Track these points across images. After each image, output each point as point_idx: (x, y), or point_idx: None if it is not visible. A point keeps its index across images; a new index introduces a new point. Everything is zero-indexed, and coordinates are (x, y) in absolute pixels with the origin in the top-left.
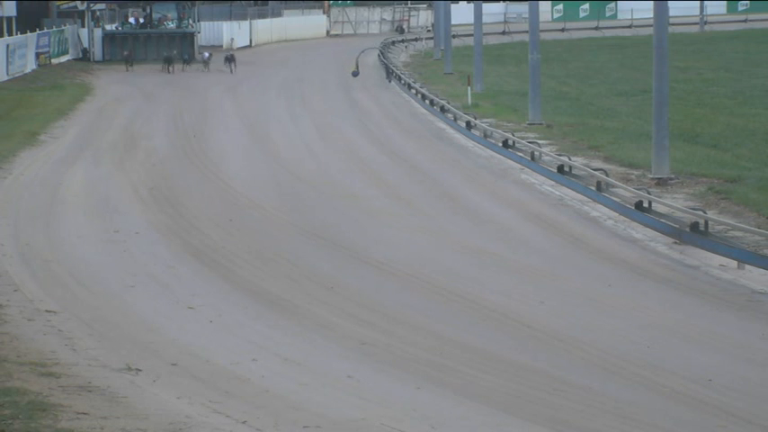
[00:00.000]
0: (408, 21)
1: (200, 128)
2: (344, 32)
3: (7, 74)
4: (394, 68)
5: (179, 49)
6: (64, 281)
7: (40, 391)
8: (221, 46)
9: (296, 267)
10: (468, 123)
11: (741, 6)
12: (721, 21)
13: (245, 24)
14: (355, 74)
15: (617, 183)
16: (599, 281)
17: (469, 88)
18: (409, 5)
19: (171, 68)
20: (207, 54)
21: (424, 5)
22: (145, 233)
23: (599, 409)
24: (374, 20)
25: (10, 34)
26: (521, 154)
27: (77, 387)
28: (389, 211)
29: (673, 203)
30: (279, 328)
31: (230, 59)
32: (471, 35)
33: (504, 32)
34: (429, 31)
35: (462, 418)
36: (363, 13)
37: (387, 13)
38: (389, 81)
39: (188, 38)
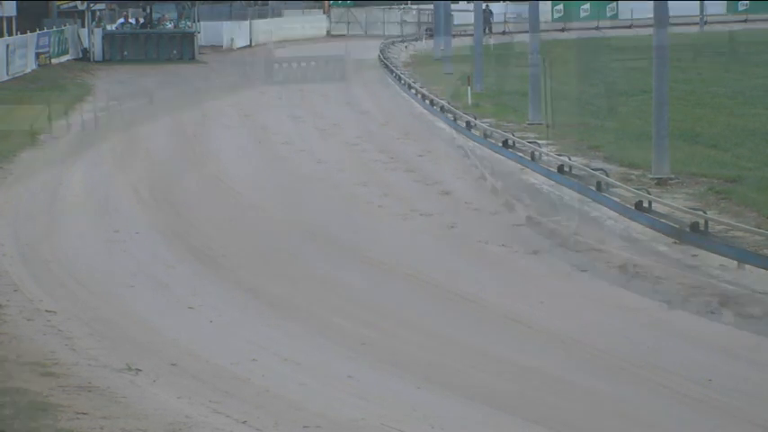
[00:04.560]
0: None
1: (200, 128)
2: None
3: (7, 74)
4: (394, 68)
5: (179, 49)
6: (64, 281)
7: (40, 391)
8: (221, 46)
9: (296, 267)
10: (467, 123)
11: (741, 6)
12: (721, 21)
13: (245, 24)
14: None
15: (617, 183)
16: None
17: (469, 88)
18: None
19: None
20: None
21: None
22: (145, 233)
23: (599, 409)
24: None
25: (10, 34)
26: (521, 154)
27: (77, 387)
28: (389, 211)
29: (673, 203)
30: (279, 328)
31: None
32: (471, 35)
33: (504, 32)
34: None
35: (462, 418)
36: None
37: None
38: None
39: (188, 38)
